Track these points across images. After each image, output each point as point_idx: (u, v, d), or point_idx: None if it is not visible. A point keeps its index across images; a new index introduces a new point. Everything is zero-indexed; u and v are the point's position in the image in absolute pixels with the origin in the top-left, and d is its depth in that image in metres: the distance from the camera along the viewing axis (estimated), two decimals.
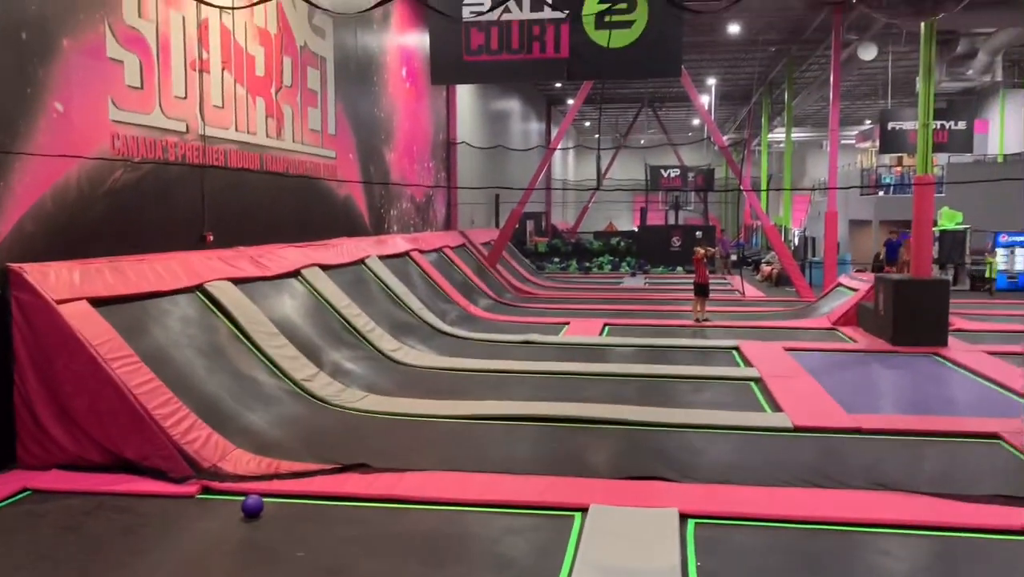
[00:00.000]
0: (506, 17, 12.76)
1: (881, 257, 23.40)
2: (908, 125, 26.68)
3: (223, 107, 10.81)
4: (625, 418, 8.50)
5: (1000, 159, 30.83)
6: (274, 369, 9.00)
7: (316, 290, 11.55)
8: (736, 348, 12.95)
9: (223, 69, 10.80)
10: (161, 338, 7.88)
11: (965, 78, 26.13)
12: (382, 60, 17.07)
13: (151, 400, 6.76)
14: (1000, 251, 22.81)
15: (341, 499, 6.17)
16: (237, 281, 9.70)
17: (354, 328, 11.53)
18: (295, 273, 11.37)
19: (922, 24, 14.51)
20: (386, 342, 11.83)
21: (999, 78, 25.83)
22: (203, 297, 9.03)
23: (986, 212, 24.36)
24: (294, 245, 12.13)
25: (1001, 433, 7.84)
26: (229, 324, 9.06)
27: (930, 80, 14.45)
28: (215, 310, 9.04)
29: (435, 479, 6.49)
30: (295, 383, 8.99)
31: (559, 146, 32.17)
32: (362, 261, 13.96)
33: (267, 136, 12.01)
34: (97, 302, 7.27)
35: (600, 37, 12.52)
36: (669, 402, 9.51)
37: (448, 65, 13.76)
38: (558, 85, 35.42)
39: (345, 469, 6.69)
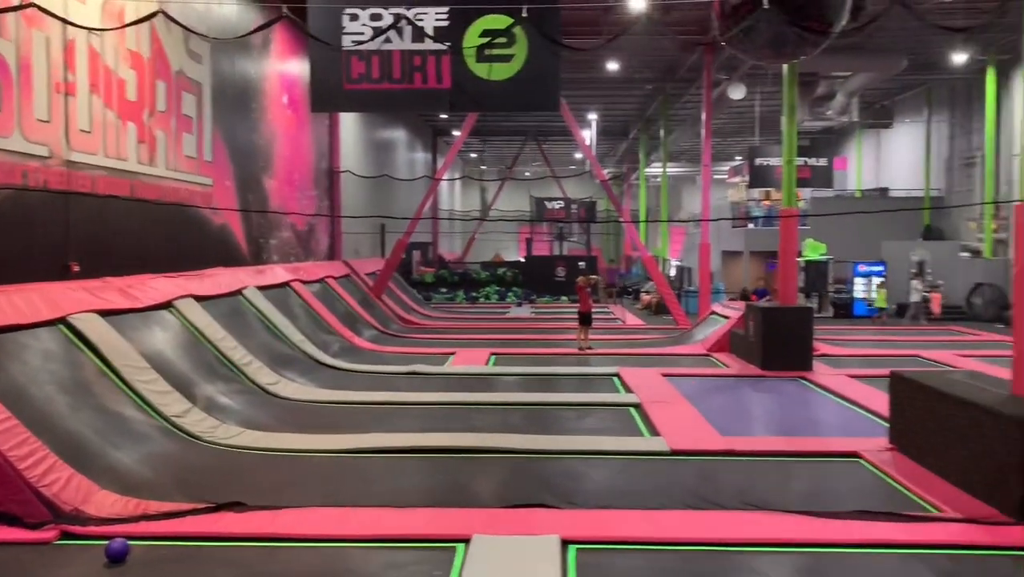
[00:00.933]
0: (387, 47, 12.78)
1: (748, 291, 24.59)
2: (775, 161, 28.22)
3: (91, 132, 10.34)
4: (510, 447, 8.54)
5: (858, 194, 33.02)
6: (144, 405, 8.57)
7: (190, 322, 11.11)
8: (617, 375, 13.25)
9: (91, 92, 10.34)
10: (18, 375, 7.40)
11: (825, 118, 27.89)
12: (262, 87, 16.76)
13: (5, 441, 6.31)
14: (857, 279, 24.35)
15: (214, 539, 5.92)
16: (104, 313, 9.23)
17: (230, 361, 11.15)
18: (167, 305, 10.91)
19: (784, 66, 15.45)
20: (264, 375, 11.49)
21: (855, 118, 27.72)
22: (67, 330, 8.54)
23: (846, 244, 26.03)
24: (166, 275, 11.65)
25: (861, 452, 8.31)
26: (95, 359, 8.60)
27: (793, 119, 15.37)
28: (79, 344, 8.56)
29: (314, 515, 6.32)
30: (166, 419, 8.59)
31: (445, 176, 32.28)
32: (239, 292, 13.54)
33: (138, 162, 11.55)
34: None
35: (481, 70, 12.72)
36: (553, 429, 9.62)
37: (329, 93, 13.62)
38: (443, 116, 35.63)
39: (219, 508, 6.43)
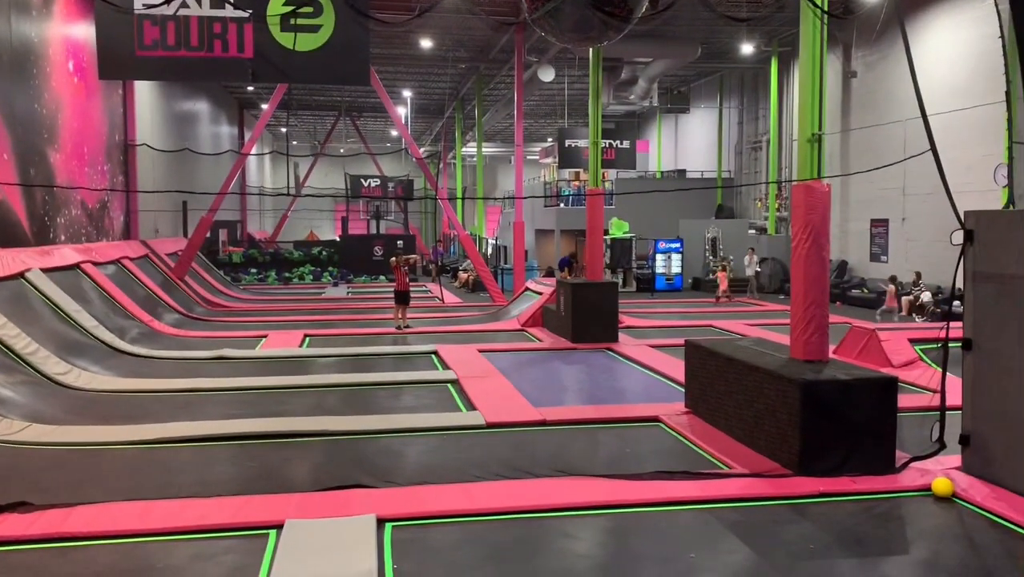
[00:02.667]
0: (183, 12, 12.01)
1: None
2: (582, 143, 29.28)
3: None
4: (325, 429, 8.41)
5: (659, 175, 34.96)
6: None
7: None
8: (435, 352, 13.35)
9: None
10: None
11: (628, 102, 29.23)
12: (43, 51, 15.27)
13: None
14: (659, 256, 25.85)
15: None
16: None
17: (11, 350, 10.18)
18: None
19: (590, 51, 16.03)
20: (52, 365, 10.59)
21: (656, 103, 29.28)
22: None
23: (648, 222, 27.56)
24: None
25: (661, 417, 8.88)
26: None
27: (598, 102, 16.00)
28: None
29: (111, 511, 5.93)
30: None
31: (253, 151, 30.97)
32: (21, 275, 12.37)
33: None
34: None
35: (286, 39, 12.27)
36: (370, 409, 9.56)
37: (118, 59, 12.63)
38: (250, 89, 34.10)
39: (1, 510, 5.89)
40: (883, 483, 6.63)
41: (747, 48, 24.94)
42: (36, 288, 12.54)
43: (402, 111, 34.04)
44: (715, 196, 30.57)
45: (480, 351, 13.31)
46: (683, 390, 9.56)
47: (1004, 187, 15.19)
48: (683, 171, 33.38)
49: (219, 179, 25.73)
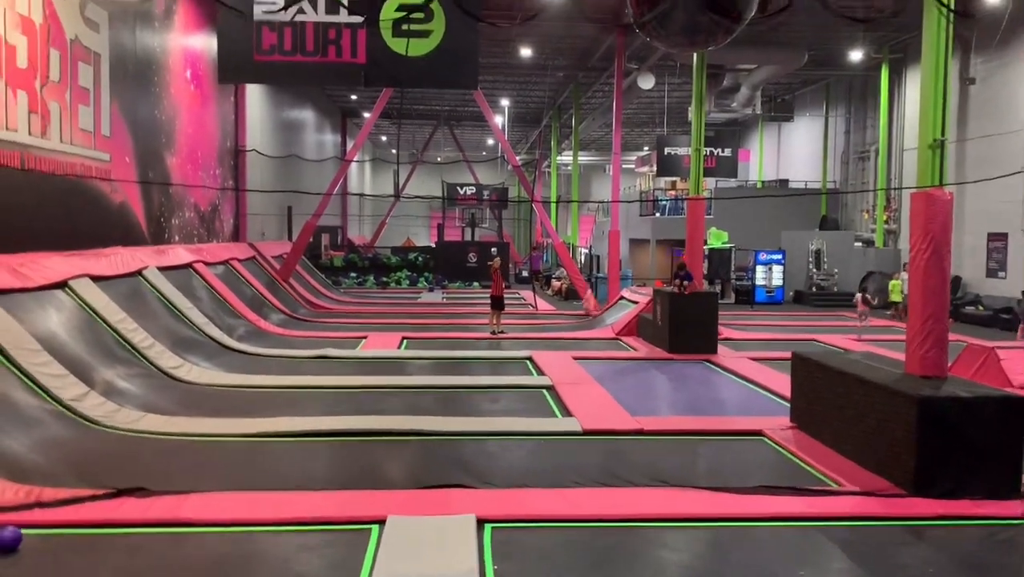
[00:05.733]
0: (300, 18, 12.42)
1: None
2: (682, 151, 28.87)
3: None
4: (422, 429, 8.49)
5: (760, 185, 34.11)
6: (35, 388, 8.12)
7: (86, 303, 10.59)
8: (529, 358, 13.33)
9: None
10: None
11: (730, 110, 28.69)
12: (164, 60, 16.06)
13: None
14: (759, 268, 25.18)
15: (115, 526, 5.67)
16: None
17: (130, 344, 10.69)
18: (62, 284, 10.37)
19: (694, 56, 15.77)
20: (166, 359, 11.07)
21: (759, 111, 28.60)
22: None
23: (747, 233, 26.89)
24: (61, 253, 11.07)
25: (765, 430, 8.61)
26: None
27: (701, 108, 15.72)
28: None
29: (221, 500, 6.12)
30: (60, 403, 8.17)
31: (355, 158, 31.77)
32: (139, 272, 13.00)
33: (30, 134, 10.91)
34: None
35: (398, 45, 12.52)
36: (466, 412, 9.61)
37: (237, 63, 13.15)
38: (353, 97, 35.01)
39: (119, 494, 6.16)
40: (1008, 508, 6.23)
41: (856, 55, 24.10)
42: (152, 285, 13.14)
43: (499, 119, 34.32)
44: (819, 207, 29.62)
45: (575, 358, 13.22)
46: (786, 404, 9.26)
47: None
48: (785, 181, 32.48)
49: (322, 185, 26.49)
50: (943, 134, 7.74)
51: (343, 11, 12.38)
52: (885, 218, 25.83)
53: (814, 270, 25.38)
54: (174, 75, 16.57)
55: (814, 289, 25.17)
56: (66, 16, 11.94)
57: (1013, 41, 19.67)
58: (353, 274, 30.55)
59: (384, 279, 30.54)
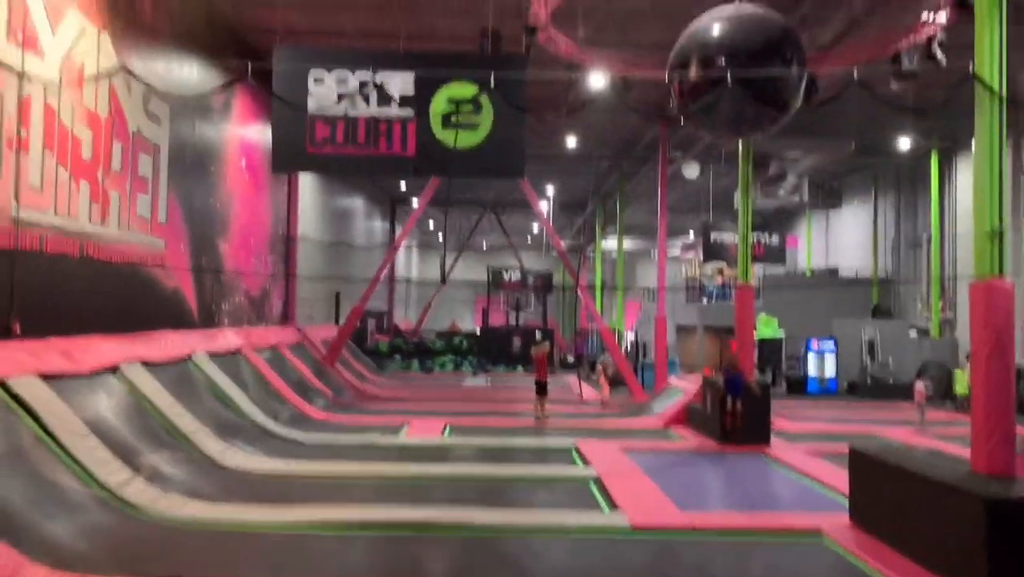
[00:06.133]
0: (352, 112, 12.84)
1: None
2: (727, 237, 28.76)
3: (42, 190, 10.07)
4: (466, 522, 8.27)
5: (808, 273, 33.71)
6: (82, 474, 8.14)
7: (136, 387, 10.70)
8: (575, 447, 13.05)
9: (45, 149, 10.11)
10: None
11: (776, 197, 28.63)
12: (220, 150, 16.63)
13: None
14: (810, 356, 24.63)
15: None
16: (46, 377, 8.83)
17: (176, 429, 10.73)
18: (113, 369, 10.52)
19: (739, 144, 15.84)
20: (212, 444, 11.06)
21: (806, 198, 28.48)
22: (4, 393, 8.12)
23: (797, 321, 26.41)
24: (114, 338, 11.26)
25: (823, 529, 8.21)
26: (33, 424, 8.18)
27: (748, 194, 15.69)
28: (17, 408, 8.15)
29: None
30: (107, 489, 8.16)
31: (403, 244, 32.29)
32: (188, 357, 13.15)
33: (90, 222, 11.26)
34: None
35: (447, 137, 12.81)
36: (510, 503, 9.37)
37: (291, 154, 13.58)
38: (403, 185, 35.78)
39: None
40: None
41: (904, 143, 24.00)
42: (201, 370, 13.27)
43: (544, 206, 34.70)
44: (870, 294, 29.08)
45: (622, 448, 12.91)
46: (845, 501, 8.84)
47: None
48: (835, 270, 32.03)
49: (370, 272, 26.88)
50: (1002, 222, 7.56)
51: (394, 105, 12.74)
52: (940, 307, 25.22)
53: (868, 360, 24.73)
54: (230, 164, 17.12)
55: (869, 380, 24.48)
56: (130, 110, 12.47)
57: None
58: (398, 358, 30.64)
59: (428, 364, 30.56)
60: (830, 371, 24.56)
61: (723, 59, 9.33)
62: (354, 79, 12.87)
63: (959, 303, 24.08)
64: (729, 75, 8.51)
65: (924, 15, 12.16)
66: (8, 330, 9.34)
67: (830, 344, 24.67)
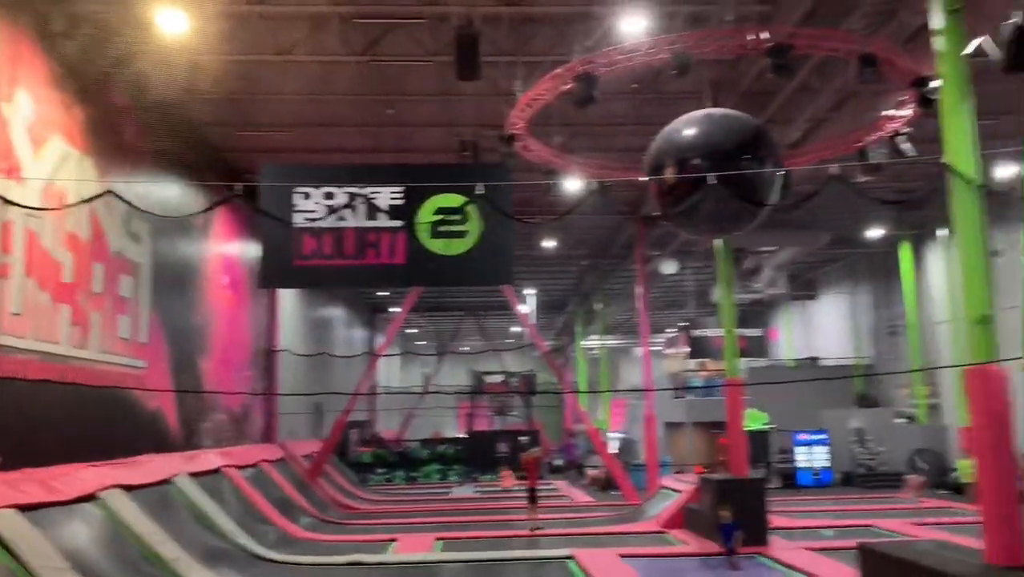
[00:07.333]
0: (340, 224, 12.96)
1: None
2: (710, 332, 28.88)
3: (22, 314, 9.92)
4: None
5: (791, 364, 33.78)
6: None
7: (116, 515, 10.27)
8: (571, 557, 12.62)
9: (26, 275, 10.02)
10: None
11: (754, 290, 28.94)
12: (202, 266, 16.60)
13: None
14: (799, 449, 24.37)
15: None
16: (23, 508, 8.47)
17: (159, 557, 10.25)
18: (92, 497, 10.12)
19: (718, 241, 16.08)
20: (195, 573, 10.57)
21: (783, 290, 28.82)
22: None
23: (783, 413, 26.25)
24: (94, 465, 10.89)
25: None
26: (9, 558, 7.78)
27: (729, 291, 15.82)
28: None
29: None
30: None
31: (385, 352, 32.08)
32: (170, 480, 12.72)
33: (71, 345, 11.07)
34: None
35: (436, 245, 12.92)
36: None
37: (278, 269, 13.61)
38: (380, 293, 35.82)
39: None
40: None
41: (876, 232, 24.53)
42: (183, 492, 12.82)
43: (526, 308, 34.82)
44: (853, 384, 29.09)
45: (620, 555, 12.50)
46: None
47: None
48: (815, 358, 32.13)
49: (352, 381, 26.55)
50: (989, 308, 7.62)
51: (382, 216, 12.88)
52: (926, 392, 25.24)
53: (858, 449, 24.51)
54: (211, 281, 17.06)
55: (862, 470, 24.20)
56: (111, 230, 12.47)
57: None
58: (381, 470, 29.97)
59: (413, 474, 29.90)
60: (821, 462, 24.28)
61: (700, 160, 9.55)
62: (341, 193, 13.04)
63: (943, 388, 24.12)
64: (710, 175, 8.68)
65: (888, 111, 12.60)
66: None
67: (820, 435, 24.47)
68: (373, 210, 12.88)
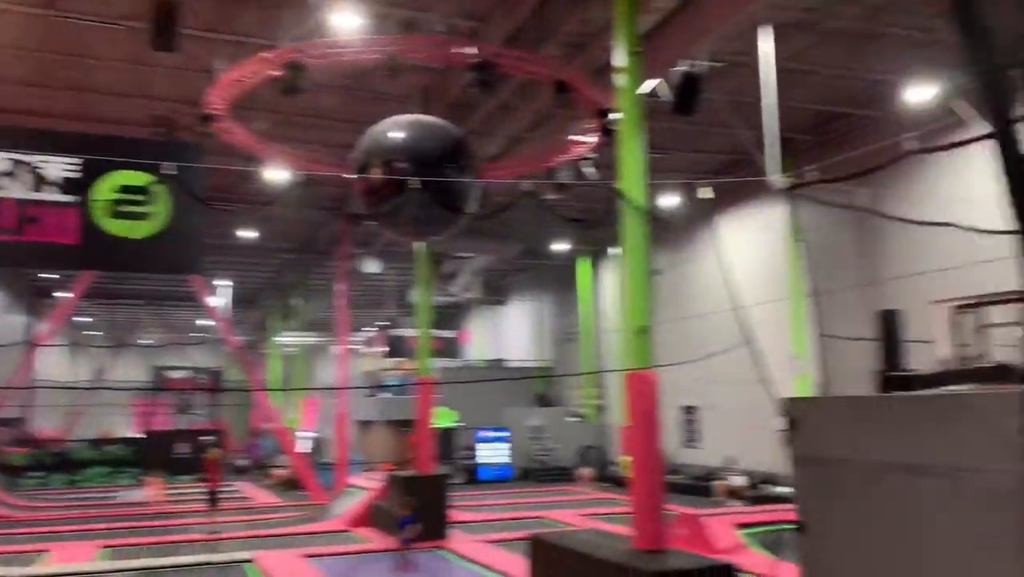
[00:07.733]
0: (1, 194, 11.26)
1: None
2: (408, 332, 29.42)
3: None
4: None
5: (481, 364, 35.45)
6: None
7: None
8: (250, 560, 12.18)
9: None
10: None
11: (449, 294, 29.98)
12: None
13: None
14: (482, 445, 25.69)
15: None
16: None
17: None
18: None
19: (419, 244, 16.45)
20: None
21: (477, 295, 30.20)
22: None
23: (471, 411, 27.51)
24: None
25: None
26: None
27: (428, 292, 16.25)
28: None
29: None
30: None
31: (47, 343, 28.64)
32: None
33: None
34: None
35: (115, 227, 11.69)
36: None
37: None
38: (43, 276, 31.95)
39: None
40: None
41: (561, 246, 26.57)
42: None
43: (219, 300, 32.96)
44: (536, 384, 31.23)
45: (303, 556, 12.30)
46: None
47: (798, 376, 16.70)
48: (501, 360, 34.00)
49: (4, 374, 23.34)
50: (648, 320, 8.58)
51: (51, 188, 11.43)
52: (595, 394, 27.79)
53: (535, 446, 26.36)
54: None
55: (537, 465, 26.04)
56: None
57: (690, 239, 22.84)
58: (38, 473, 26.76)
59: (75, 477, 27.07)
60: (502, 458, 25.76)
61: (405, 163, 9.71)
62: (4, 158, 11.32)
63: (611, 391, 26.75)
64: (414, 179, 8.86)
65: (576, 136, 13.71)
66: None
67: (504, 433, 25.95)
68: (40, 181, 11.37)
